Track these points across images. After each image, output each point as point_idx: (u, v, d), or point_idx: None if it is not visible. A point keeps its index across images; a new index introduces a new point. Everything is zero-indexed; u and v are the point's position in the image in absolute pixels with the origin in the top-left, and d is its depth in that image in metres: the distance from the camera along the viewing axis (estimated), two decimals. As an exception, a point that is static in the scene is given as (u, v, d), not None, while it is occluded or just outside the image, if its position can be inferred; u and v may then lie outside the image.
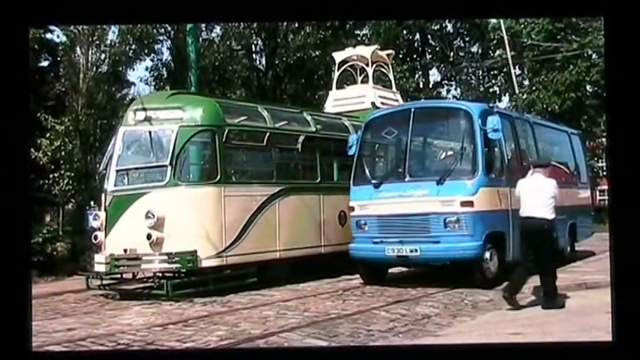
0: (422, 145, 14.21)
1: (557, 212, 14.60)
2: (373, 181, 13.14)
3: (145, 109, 12.92)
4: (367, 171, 13.76)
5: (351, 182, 13.56)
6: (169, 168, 12.24)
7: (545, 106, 31.12)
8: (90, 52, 19.98)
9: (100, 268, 12.38)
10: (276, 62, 28.11)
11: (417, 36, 38.97)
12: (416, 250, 12.22)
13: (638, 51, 3.29)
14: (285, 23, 25.97)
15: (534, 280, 12.04)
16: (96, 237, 12.67)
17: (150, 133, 12.65)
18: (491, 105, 13.62)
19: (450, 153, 13.52)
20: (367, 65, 19.11)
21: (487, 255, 12.15)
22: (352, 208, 13.36)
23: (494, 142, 12.66)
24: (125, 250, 12.15)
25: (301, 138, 14.43)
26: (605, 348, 3.56)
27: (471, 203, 12.02)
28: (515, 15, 21.71)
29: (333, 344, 7.91)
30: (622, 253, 3.37)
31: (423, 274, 13.97)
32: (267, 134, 13.57)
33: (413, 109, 13.40)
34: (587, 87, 32.67)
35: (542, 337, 7.43)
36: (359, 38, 30.53)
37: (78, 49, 20.03)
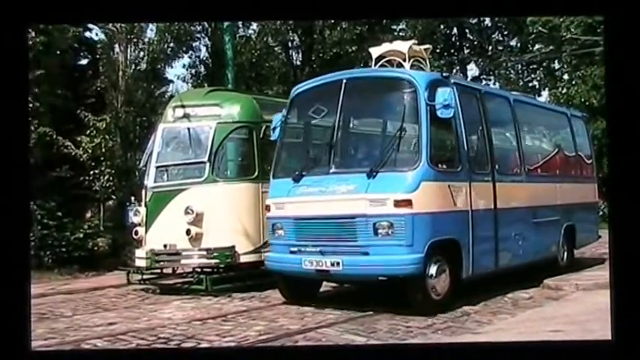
0: (354, 127, 11.44)
1: (548, 212, 12.64)
2: (294, 173, 10.43)
3: (183, 106, 13.05)
4: (289, 160, 11.18)
5: (271, 175, 11.09)
6: (207, 164, 12.37)
7: (583, 100, 30.74)
8: (129, 50, 20.16)
9: (140, 263, 12.53)
10: (313, 58, 28.09)
11: (455, 30, 38.74)
12: (338, 264, 9.52)
13: (639, 51, 3.26)
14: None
15: (576, 277, 11.97)
16: (136, 232, 12.82)
17: (188, 129, 12.78)
18: (445, 74, 10.72)
19: (387, 136, 10.61)
20: (404, 60, 18.96)
21: (432, 270, 9.43)
22: (268, 208, 10.81)
23: (446, 123, 9.92)
24: (165, 246, 12.29)
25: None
26: (604, 347, 3.54)
27: (408, 202, 9.27)
28: (515, 14, 21.47)
29: (372, 340, 7.92)
30: (622, 251, 3.34)
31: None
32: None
33: (344, 81, 10.38)
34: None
35: (583, 335, 7.36)
36: (396, 33, 30.40)
37: (116, 46, 20.22)
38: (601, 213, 17.27)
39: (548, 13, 18.36)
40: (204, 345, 8.00)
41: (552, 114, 15.55)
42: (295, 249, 10.11)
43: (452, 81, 10.37)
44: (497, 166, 11.05)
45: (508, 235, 11.14)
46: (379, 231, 9.31)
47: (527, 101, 14.38)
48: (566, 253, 13.44)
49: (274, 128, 11.28)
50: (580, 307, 9.59)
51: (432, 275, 9.46)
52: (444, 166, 10.01)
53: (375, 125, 11.58)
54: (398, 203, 9.26)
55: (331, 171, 10.06)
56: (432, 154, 9.62)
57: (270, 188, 10.91)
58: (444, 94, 9.56)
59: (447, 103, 9.52)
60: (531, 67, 38.18)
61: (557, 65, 36.12)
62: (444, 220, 9.74)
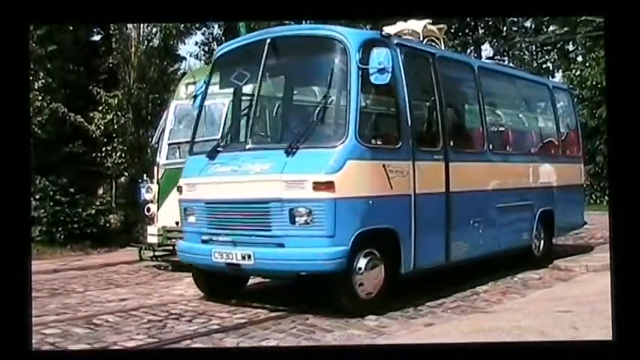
0: (277, 95, 9.86)
1: (519, 196, 11.20)
2: (208, 149, 9.06)
3: (196, 83, 13.04)
4: (208, 134, 9.82)
5: (187, 151, 10.02)
6: (220, 142, 12.38)
7: (595, 82, 30.55)
8: (141, 27, 20.16)
9: (152, 239, 12.59)
10: (326, 36, 27.97)
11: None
12: (249, 257, 8.04)
13: (639, 50, 3.25)
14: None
15: (586, 259, 11.97)
16: (148, 209, 12.88)
17: (223, 109, 12.79)
18: (385, 33, 8.90)
19: (312, 106, 8.94)
20: (418, 39, 18.94)
21: (360, 265, 8.00)
22: (179, 189, 9.35)
23: (383, 90, 8.55)
24: (177, 223, 12.28)
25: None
26: (605, 347, 3.55)
27: (329, 185, 7.71)
28: (515, 14, 21.30)
29: (383, 318, 7.96)
30: (622, 250, 3.35)
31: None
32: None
33: (268, 40, 8.68)
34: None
35: (592, 316, 7.37)
36: (410, 12, 30.20)
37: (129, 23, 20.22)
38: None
39: (548, 14, 18.20)
40: (215, 321, 8.07)
41: (529, 85, 13.59)
42: (207, 238, 8.67)
43: (394, 41, 8.80)
44: (451, 143, 9.50)
45: (464, 222, 9.70)
46: (296, 219, 7.82)
47: (496, 69, 12.69)
48: (542, 242, 11.97)
49: (195, 96, 10.14)
50: (590, 288, 9.58)
51: (360, 271, 8.05)
52: (379, 142, 8.60)
53: (301, 93, 9.94)
54: (317, 186, 7.74)
55: (247, 147, 8.56)
56: (363, 127, 8.18)
57: (185, 166, 9.61)
58: (379, 55, 7.97)
59: (383, 67, 7.92)
60: (545, 48, 37.98)
61: (571, 47, 35.91)
62: (377, 207, 8.13)
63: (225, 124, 9.84)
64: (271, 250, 7.99)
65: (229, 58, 9.56)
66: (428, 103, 9.49)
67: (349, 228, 7.82)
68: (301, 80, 9.70)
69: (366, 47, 8.11)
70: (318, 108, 8.43)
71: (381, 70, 7.91)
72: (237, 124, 9.38)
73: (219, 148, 8.92)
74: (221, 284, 9.34)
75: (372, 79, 7.99)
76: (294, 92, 9.87)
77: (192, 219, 8.99)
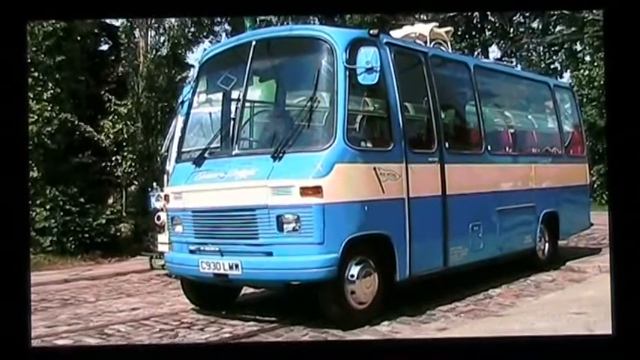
0: (263, 99, 9.64)
1: (520, 198, 10.92)
2: (194, 156, 8.83)
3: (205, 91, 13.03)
4: (195, 140, 9.45)
5: (174, 158, 9.95)
6: (229, 149, 12.33)
7: (604, 82, 30.39)
8: (149, 35, 20.21)
9: (163, 248, 12.54)
10: (334, 41, 27.96)
11: (476, 12, 38.45)
12: (236, 267, 7.77)
13: (639, 45, 3.22)
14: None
15: (600, 260, 11.89)
16: (159, 217, 12.84)
17: (210, 114, 12.76)
18: (373, 31, 8.31)
19: (299, 109, 8.42)
20: (425, 43, 18.85)
21: (353, 272, 7.72)
22: (166, 198, 9.20)
23: (372, 91, 8.22)
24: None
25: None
26: (604, 341, 3.54)
27: (317, 190, 7.45)
28: (513, 9, 21.20)
29: (394, 324, 7.92)
30: (622, 245, 3.33)
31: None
32: (326, 114, 13.50)
33: (254, 42, 8.57)
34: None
35: (607, 317, 7.31)
36: (417, 16, 30.21)
37: (137, 32, 20.26)
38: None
39: (548, 8, 18.14)
40: (227, 329, 8.05)
41: (529, 83, 13.25)
42: (194, 248, 8.41)
43: (384, 40, 8.46)
44: (447, 144, 9.18)
45: (462, 226, 9.40)
46: (284, 226, 7.55)
47: (493, 68, 12.28)
48: (547, 245, 11.73)
49: (182, 102, 9.87)
50: (603, 289, 9.47)
51: (352, 280, 7.74)
52: (369, 145, 8.22)
53: (288, 96, 9.51)
54: (304, 191, 7.46)
55: (234, 153, 8.33)
56: (351, 129, 7.91)
57: (172, 175, 9.58)
58: (367, 55, 7.66)
59: (371, 67, 7.61)
60: (553, 48, 37.86)
61: (579, 47, 35.81)
62: (368, 211, 7.79)
63: (212, 129, 9.47)
64: (259, 259, 7.73)
65: (215, 61, 9.34)
66: (421, 104, 9.20)
67: (339, 234, 7.54)
68: (288, 82, 9.33)
69: (353, 47, 7.86)
70: (305, 111, 8.07)
71: (369, 70, 7.63)
72: (224, 129, 8.95)
73: (205, 155, 8.66)
74: (212, 295, 9.13)
75: (360, 79, 7.71)
76: (281, 95, 9.54)
77: (179, 228, 8.73)
